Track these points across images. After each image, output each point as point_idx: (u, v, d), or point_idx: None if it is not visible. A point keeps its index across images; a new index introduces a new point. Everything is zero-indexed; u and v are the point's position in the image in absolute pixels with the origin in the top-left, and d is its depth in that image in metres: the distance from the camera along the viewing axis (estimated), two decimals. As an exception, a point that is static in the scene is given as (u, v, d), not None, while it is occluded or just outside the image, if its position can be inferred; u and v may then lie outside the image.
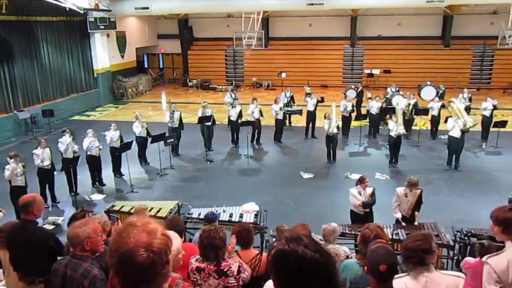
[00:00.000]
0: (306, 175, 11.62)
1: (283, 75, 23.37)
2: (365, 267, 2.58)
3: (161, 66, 28.52)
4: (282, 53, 25.19)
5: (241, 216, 7.57)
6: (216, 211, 7.41)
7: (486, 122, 14.01)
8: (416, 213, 7.54)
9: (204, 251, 3.57)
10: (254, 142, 14.19)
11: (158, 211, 7.87)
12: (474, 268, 4.99)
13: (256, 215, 7.58)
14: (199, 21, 26.41)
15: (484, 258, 2.97)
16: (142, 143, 12.33)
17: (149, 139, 12.02)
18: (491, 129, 13.84)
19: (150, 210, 7.60)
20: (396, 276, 2.91)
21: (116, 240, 1.55)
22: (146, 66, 28.05)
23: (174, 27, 26.29)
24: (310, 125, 14.88)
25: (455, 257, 6.58)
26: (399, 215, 7.38)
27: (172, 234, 2.83)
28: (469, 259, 5.21)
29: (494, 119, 13.83)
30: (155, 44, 27.43)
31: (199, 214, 7.54)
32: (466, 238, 6.67)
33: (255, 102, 14.08)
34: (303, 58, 24.86)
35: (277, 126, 14.45)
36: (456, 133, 11.47)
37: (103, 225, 3.88)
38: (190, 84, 25.54)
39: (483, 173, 11.61)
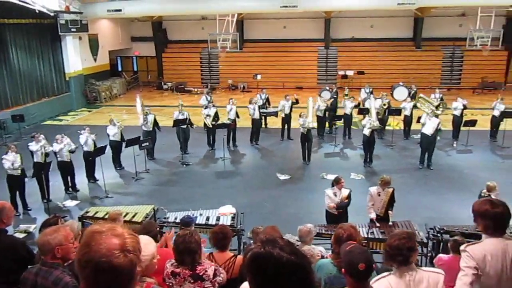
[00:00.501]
0: (282, 177, 11.66)
1: (259, 77, 23.45)
2: (343, 269, 2.59)
3: (135, 69, 28.18)
4: (257, 55, 25.26)
5: (218, 219, 7.55)
6: (193, 215, 7.37)
7: (457, 121, 14.35)
8: (390, 212, 7.65)
9: (180, 256, 3.53)
10: (231, 144, 14.16)
11: (133, 216, 7.77)
12: (447, 264, 5.12)
13: (233, 218, 7.58)
14: (173, 23, 26.22)
15: (462, 247, 3.04)
16: (116, 147, 12.15)
17: (124, 143, 11.84)
18: (462, 128, 14.19)
19: (125, 216, 7.51)
20: (379, 276, 2.95)
21: (85, 251, 1.51)
22: (119, 69, 27.68)
23: (148, 29, 26.04)
24: (286, 126, 14.96)
25: (429, 254, 6.72)
26: (373, 215, 7.48)
27: (147, 239, 2.80)
28: (442, 256, 5.35)
29: (464, 119, 14.20)
30: (129, 47, 27.10)
31: (176, 218, 7.47)
32: (439, 235, 6.82)
33: (231, 101, 14.06)
34: (278, 60, 25.00)
35: (254, 126, 14.46)
36: (427, 130, 11.73)
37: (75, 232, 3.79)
38: (165, 87, 25.31)
39: (454, 171, 11.90)
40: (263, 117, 15.97)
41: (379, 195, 7.54)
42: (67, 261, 3.11)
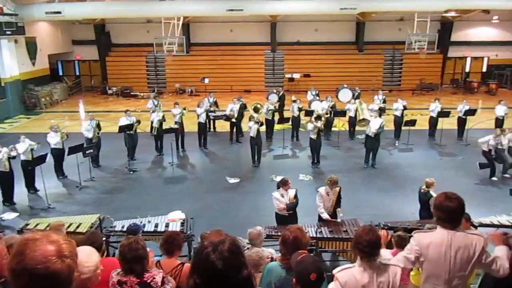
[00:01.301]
0: (232, 180, 11.65)
1: (206, 80, 23.34)
2: (294, 279, 2.61)
3: (77, 73, 27.17)
4: (205, 59, 25.14)
5: (167, 225, 7.41)
6: (140, 222, 7.20)
7: (398, 121, 14.99)
8: (339, 209, 7.86)
9: (129, 264, 3.43)
10: (180, 148, 13.98)
11: (77, 227, 7.46)
12: (391, 259, 5.30)
13: (182, 224, 7.47)
14: (117, 26, 25.55)
15: (413, 233, 3.24)
16: (58, 155, 11.62)
17: (66, 151, 11.35)
18: (403, 128, 14.82)
19: (68, 226, 7.21)
20: (343, 266, 3.02)
21: (18, 259, 1.45)
22: (61, 73, 26.57)
23: (90, 32, 25.22)
24: (235, 129, 14.99)
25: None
26: (327, 216, 7.57)
27: (89, 250, 2.69)
28: (387, 251, 5.52)
29: (405, 119, 14.84)
30: (70, 50, 26.09)
31: (123, 227, 7.25)
32: (383, 231, 7.04)
33: (177, 106, 13.87)
34: (226, 63, 25.03)
35: (200, 130, 14.35)
36: (371, 130, 12.15)
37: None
38: (109, 91, 24.58)
39: (397, 169, 12.40)
40: (211, 121, 15.94)
41: (328, 194, 7.71)
42: (1, 278, 2.92)
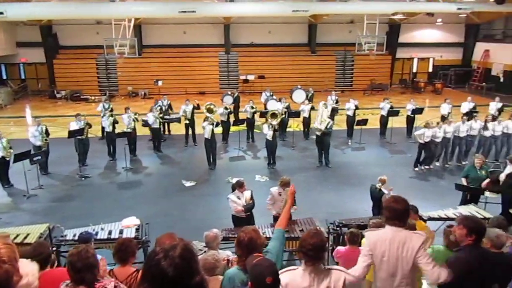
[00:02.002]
0: (188, 183, 11.53)
1: (160, 83, 22.98)
2: (250, 283, 2.60)
3: (22, 77, 25.94)
4: (158, 61, 24.73)
5: (121, 232, 7.22)
6: (93, 230, 6.97)
7: (350, 121, 15.38)
8: (295, 207, 7.94)
9: (78, 274, 3.29)
10: (133, 153, 13.66)
11: (25, 237, 7.11)
12: (345, 256, 5.43)
13: (137, 229, 7.31)
14: (65, 27, 24.62)
15: (364, 231, 3.45)
16: (2, 163, 11.04)
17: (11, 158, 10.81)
18: (355, 127, 15.22)
19: (15, 238, 6.87)
20: (287, 268, 3.03)
21: None
22: (4, 77, 25.29)
23: (36, 34, 24.14)
24: (190, 132, 14.84)
25: (330, 248, 7.05)
26: (274, 212, 7.76)
27: (25, 262, 2.56)
28: (339, 248, 5.66)
29: (357, 118, 15.25)
30: (14, 53, 24.85)
31: (74, 235, 6.98)
32: (338, 228, 7.22)
33: (129, 111, 13.55)
34: (180, 65, 24.75)
35: (153, 134, 14.09)
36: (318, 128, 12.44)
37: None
38: (58, 95, 23.66)
39: (350, 168, 12.72)
40: (165, 124, 15.72)
41: (280, 195, 7.80)
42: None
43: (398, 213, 3.29)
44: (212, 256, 4.39)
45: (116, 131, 13.44)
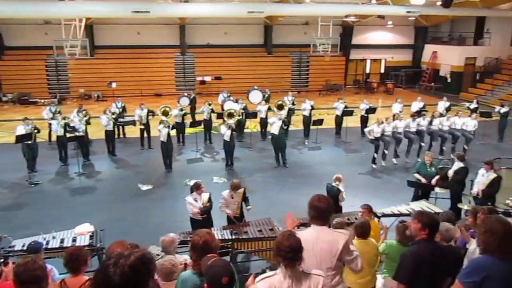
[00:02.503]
0: (144, 187, 11.29)
1: (114, 85, 22.37)
2: (206, 284, 2.56)
3: (-36, 79, 24.49)
4: (111, 62, 24.09)
5: (74, 240, 6.95)
6: (44, 239, 6.68)
7: (306, 121, 15.59)
8: (249, 207, 7.98)
9: (25, 286, 3.13)
10: (85, 157, 13.22)
11: (-32, 250, 6.70)
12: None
13: (91, 237, 7.06)
14: (10, 27, 23.42)
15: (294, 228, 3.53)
16: None
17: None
18: (311, 127, 15.44)
19: (-44, 251, 6.47)
20: (264, 275, 2.99)
21: None
22: None
23: (-21, 34, 22.92)
24: (146, 135, 14.55)
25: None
26: (229, 211, 7.81)
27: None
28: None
29: (313, 118, 15.48)
30: (-46, 54, 23.48)
31: (24, 245, 6.64)
32: (296, 228, 7.25)
33: (79, 114, 13.09)
34: (134, 67, 24.19)
35: (108, 138, 13.71)
36: (275, 130, 12.51)
37: None
38: (4, 99, 22.53)
39: (307, 167, 12.89)
40: (119, 127, 15.35)
41: (232, 197, 7.81)
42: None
43: (322, 212, 3.43)
44: (169, 261, 4.31)
45: (68, 135, 12.95)
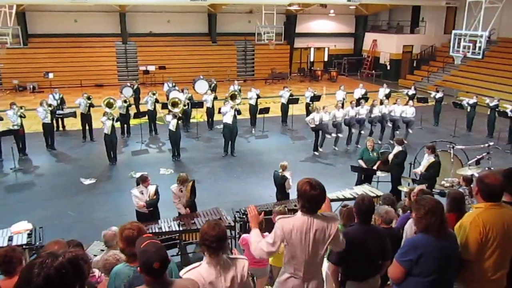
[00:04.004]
0: (87, 181, 10.88)
1: (51, 75, 21.29)
2: (139, 268, 2.54)
3: None
4: (47, 52, 22.80)
5: (10, 239, 6.59)
6: (-24, 240, 6.27)
7: (253, 110, 15.63)
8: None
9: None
10: (23, 152, 12.51)
11: None
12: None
13: (29, 235, 6.72)
14: None
15: (276, 218, 3.32)
16: None
17: None
18: (258, 115, 15.50)
19: None
20: (190, 267, 2.95)
21: None
22: None
23: None
24: (87, 127, 13.99)
25: (237, 236, 7.13)
26: (183, 211, 7.65)
27: None
28: (245, 236, 5.72)
29: (259, 107, 15.54)
30: None
31: (-46, 247, 6.22)
32: (244, 216, 7.30)
33: (14, 107, 12.32)
34: (72, 56, 23.07)
35: (45, 131, 13.04)
36: (228, 119, 12.47)
37: None
38: None
39: (254, 155, 12.96)
40: (58, 120, 14.66)
41: (181, 191, 7.70)
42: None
43: (315, 200, 3.20)
44: (113, 255, 4.18)
45: (1, 129, 12.20)
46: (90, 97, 14.00)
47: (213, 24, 25.80)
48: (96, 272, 3.78)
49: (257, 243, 3.34)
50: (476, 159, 9.79)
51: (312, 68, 28.57)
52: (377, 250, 3.73)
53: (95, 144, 13.61)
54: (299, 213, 3.29)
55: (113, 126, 11.77)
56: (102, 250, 5.57)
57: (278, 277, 3.50)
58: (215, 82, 18.17)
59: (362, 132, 13.84)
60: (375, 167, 9.67)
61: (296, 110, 16.07)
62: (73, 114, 14.41)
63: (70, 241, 4.08)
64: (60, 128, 14.96)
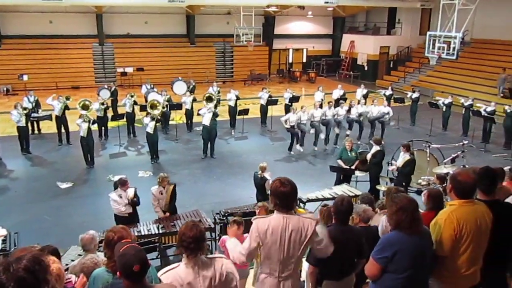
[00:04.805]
0: (64, 185, 10.69)
1: (25, 77, 20.83)
2: (118, 272, 2.51)
3: None
4: (21, 53, 22.28)
5: (-17, 245, 6.42)
6: None
7: (232, 111, 15.62)
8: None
9: None
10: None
11: None
12: (230, 244, 5.48)
13: (4, 241, 6.57)
14: None
15: (253, 219, 3.32)
16: None
17: None
18: (237, 117, 15.50)
19: None
20: (167, 268, 2.93)
21: None
22: None
23: None
24: (63, 129, 13.74)
25: (217, 238, 7.12)
26: (161, 214, 7.59)
27: None
28: (224, 237, 5.71)
29: (238, 108, 15.54)
30: None
31: None
32: (224, 218, 7.29)
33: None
34: (48, 58, 22.64)
35: (20, 135, 12.74)
36: (206, 121, 12.44)
37: None
38: None
39: (234, 157, 12.94)
40: (34, 123, 14.36)
41: (161, 193, 7.64)
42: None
43: (287, 197, 3.20)
44: (91, 259, 4.14)
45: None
46: (69, 97, 13.81)
47: (191, 25, 25.68)
48: (73, 278, 3.72)
49: (234, 249, 3.36)
50: (451, 157, 10.01)
51: (291, 69, 28.71)
52: (354, 250, 3.79)
53: (72, 147, 13.38)
54: (275, 212, 3.30)
55: (89, 128, 11.60)
56: (80, 255, 5.48)
57: (257, 277, 3.52)
58: (193, 84, 18.08)
59: (338, 132, 13.97)
60: (353, 167, 9.78)
61: (275, 111, 16.12)
62: (49, 117, 14.15)
63: (45, 246, 4.00)
64: (36, 131, 14.67)
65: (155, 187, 7.63)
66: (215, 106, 14.06)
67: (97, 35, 23.90)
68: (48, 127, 14.80)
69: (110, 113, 14.53)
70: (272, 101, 15.76)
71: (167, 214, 7.63)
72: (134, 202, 7.37)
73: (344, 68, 28.74)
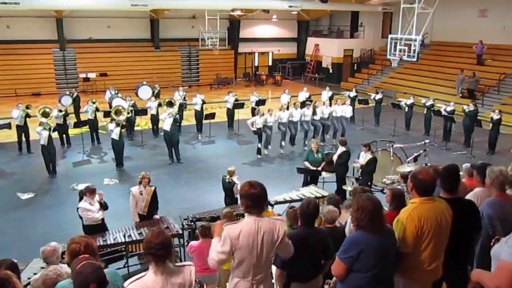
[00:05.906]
0: (25, 196, 10.32)
1: (-18, 85, 20.04)
2: None
3: None
4: (-24, 60, 21.48)
5: None
6: None
7: (199, 115, 15.51)
8: (156, 216, 7.64)
9: None
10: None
11: None
12: (198, 249, 5.44)
13: (-40, 257, 6.25)
14: None
15: (224, 225, 3.28)
16: None
17: None
18: (204, 121, 15.40)
19: None
20: (134, 278, 2.87)
21: None
22: None
23: None
24: (24, 138, 13.27)
25: (186, 244, 7.03)
26: (137, 219, 7.44)
27: None
28: (192, 243, 5.67)
29: (205, 112, 15.45)
30: None
31: None
32: (192, 223, 7.22)
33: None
34: (6, 64, 21.86)
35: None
36: (166, 126, 12.32)
37: None
38: None
39: (201, 162, 12.87)
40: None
41: (141, 194, 7.46)
42: None
43: (257, 199, 3.22)
44: (54, 270, 3.98)
45: None
46: (30, 106, 13.37)
47: (155, 29, 25.39)
48: None
49: (211, 253, 3.33)
50: (414, 156, 10.29)
51: (257, 72, 28.85)
52: (320, 251, 3.83)
53: (33, 157, 12.94)
54: (246, 216, 3.29)
55: (50, 136, 11.26)
56: (43, 268, 5.30)
57: (229, 282, 3.49)
58: (158, 88, 17.85)
59: (304, 132, 14.13)
60: (320, 168, 9.90)
61: (242, 114, 16.13)
62: (8, 126, 13.63)
63: (2, 260, 3.85)
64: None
65: (136, 187, 7.46)
66: (180, 111, 13.94)
67: (57, 40, 23.27)
68: (7, 136, 14.27)
69: (72, 120, 14.13)
70: (238, 105, 15.76)
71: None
72: (104, 204, 7.19)
73: (309, 71, 29.09)
